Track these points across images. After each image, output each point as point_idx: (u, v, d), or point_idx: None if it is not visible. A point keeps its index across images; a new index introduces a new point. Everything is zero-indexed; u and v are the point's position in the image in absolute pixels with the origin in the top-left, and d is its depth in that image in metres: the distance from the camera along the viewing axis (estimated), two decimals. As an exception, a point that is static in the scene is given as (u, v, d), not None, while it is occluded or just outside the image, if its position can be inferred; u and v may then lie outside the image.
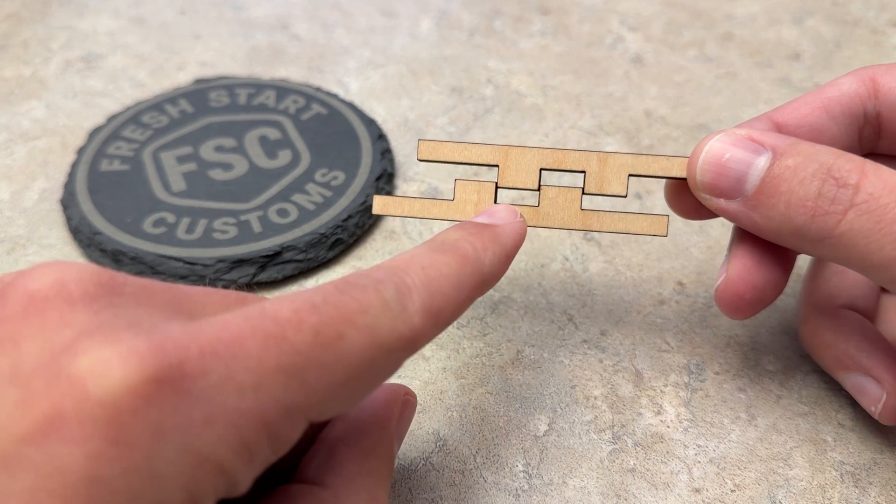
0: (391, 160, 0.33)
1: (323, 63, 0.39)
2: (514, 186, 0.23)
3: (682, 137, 0.35)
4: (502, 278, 0.28)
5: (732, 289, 0.21)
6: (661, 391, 0.25)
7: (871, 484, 0.22)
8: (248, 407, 0.14)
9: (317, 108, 0.35)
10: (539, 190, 0.23)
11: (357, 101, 0.37)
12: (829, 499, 0.22)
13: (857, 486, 0.22)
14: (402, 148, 0.34)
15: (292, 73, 0.39)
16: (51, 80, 0.38)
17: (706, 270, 0.29)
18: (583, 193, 0.23)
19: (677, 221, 0.31)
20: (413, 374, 0.25)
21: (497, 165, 0.23)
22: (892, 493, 0.22)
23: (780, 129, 0.22)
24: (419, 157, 0.23)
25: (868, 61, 0.40)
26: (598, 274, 0.29)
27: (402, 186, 0.32)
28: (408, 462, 0.23)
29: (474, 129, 0.35)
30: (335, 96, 0.36)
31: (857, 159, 0.19)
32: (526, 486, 0.22)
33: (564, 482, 0.22)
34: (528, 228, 0.30)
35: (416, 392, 0.24)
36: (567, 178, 0.32)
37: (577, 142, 0.35)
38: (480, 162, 0.23)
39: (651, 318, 0.27)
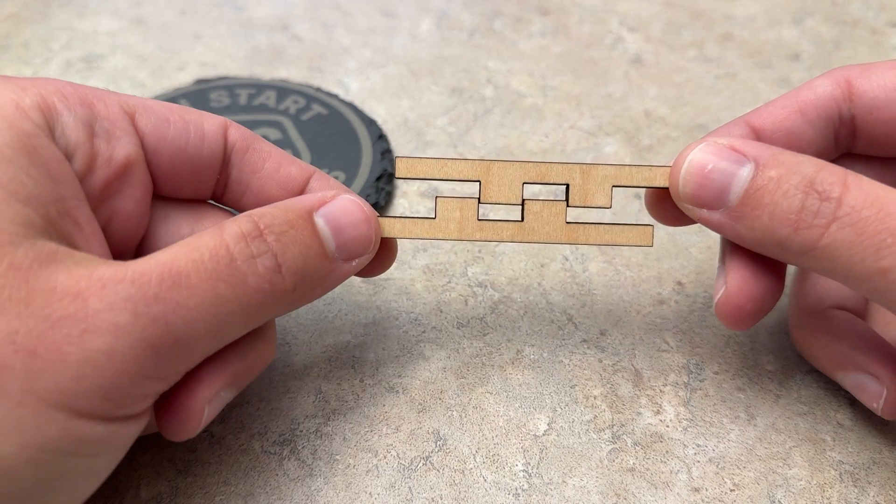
0: (391, 160, 0.33)
1: (323, 63, 0.40)
2: (497, 202, 0.22)
3: (681, 137, 0.35)
4: (502, 277, 0.28)
5: (734, 302, 0.21)
6: (661, 391, 0.25)
7: (870, 483, 0.22)
8: None
9: (317, 109, 0.35)
10: (523, 204, 0.22)
11: (357, 102, 0.37)
12: (828, 498, 0.22)
13: (856, 486, 0.22)
14: (402, 148, 0.34)
15: (293, 73, 0.39)
16: (51, 80, 0.38)
17: (705, 270, 0.29)
18: (567, 206, 0.22)
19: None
20: (413, 374, 0.25)
21: (479, 181, 0.22)
22: (892, 493, 0.22)
23: (757, 133, 0.22)
24: (396, 175, 0.22)
25: (867, 62, 0.40)
26: (597, 274, 0.29)
27: (402, 187, 0.32)
28: (408, 462, 0.23)
29: (474, 129, 0.35)
30: (335, 97, 0.36)
31: (839, 171, 0.19)
32: (526, 486, 0.22)
33: (564, 481, 0.22)
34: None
35: (416, 391, 0.24)
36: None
37: (576, 142, 0.35)
38: (460, 178, 0.22)
39: (650, 318, 0.27)
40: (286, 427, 0.23)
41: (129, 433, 0.17)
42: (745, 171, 0.20)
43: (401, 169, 0.22)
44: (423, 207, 0.31)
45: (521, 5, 0.44)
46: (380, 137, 0.34)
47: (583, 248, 0.30)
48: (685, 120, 0.36)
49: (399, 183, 0.33)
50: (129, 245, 0.21)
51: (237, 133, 0.22)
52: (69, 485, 0.17)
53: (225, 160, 0.22)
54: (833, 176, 0.19)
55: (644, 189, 0.24)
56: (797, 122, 0.22)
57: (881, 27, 0.43)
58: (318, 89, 0.36)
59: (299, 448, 0.23)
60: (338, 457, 0.23)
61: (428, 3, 0.44)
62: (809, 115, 0.22)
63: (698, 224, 0.31)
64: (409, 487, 0.22)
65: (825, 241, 0.18)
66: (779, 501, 0.22)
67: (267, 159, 0.22)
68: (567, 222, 0.22)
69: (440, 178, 0.22)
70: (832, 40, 0.42)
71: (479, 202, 0.22)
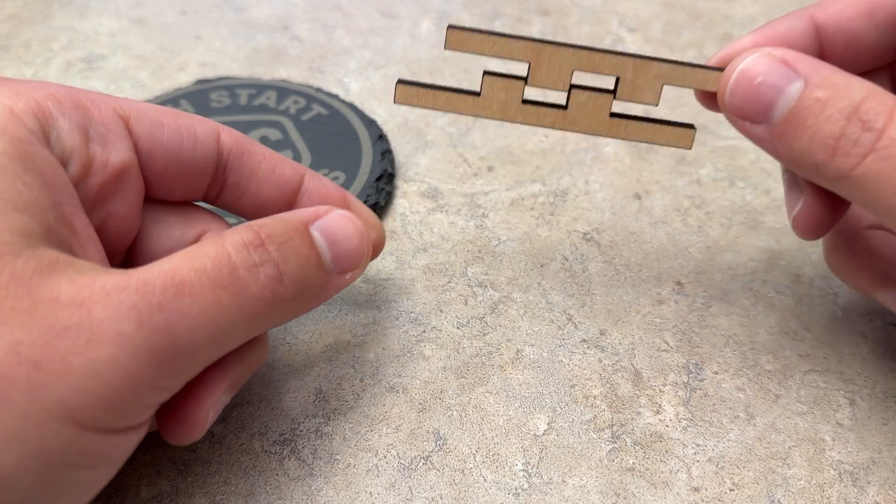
0: (391, 161, 0.33)
1: (323, 64, 0.40)
2: (544, 86, 0.22)
3: (681, 138, 0.35)
4: (502, 277, 0.28)
5: (815, 213, 0.22)
6: (660, 390, 0.25)
7: (869, 483, 0.22)
8: None
9: (317, 109, 0.35)
10: (569, 92, 0.22)
11: (357, 102, 0.37)
12: (827, 498, 0.22)
13: (855, 486, 0.22)
14: (402, 148, 0.34)
15: (293, 73, 0.39)
16: (52, 80, 0.38)
17: (705, 270, 0.29)
18: (613, 99, 0.22)
19: (676, 222, 0.31)
20: (413, 374, 0.25)
21: (529, 63, 0.22)
22: (891, 493, 0.22)
23: (819, 30, 0.22)
24: (446, 46, 0.22)
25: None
26: (597, 274, 0.29)
27: (402, 187, 0.32)
28: (408, 461, 0.23)
29: (474, 129, 0.35)
30: (336, 97, 0.36)
31: (888, 101, 0.18)
32: (525, 485, 0.22)
33: (564, 481, 0.22)
34: (528, 229, 0.30)
35: (416, 391, 0.25)
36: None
37: (576, 142, 0.35)
38: (510, 56, 0.22)
39: (650, 318, 0.27)
40: (286, 427, 0.24)
41: (128, 444, 0.17)
42: (794, 89, 0.19)
43: (451, 40, 0.22)
44: (423, 207, 0.31)
45: (520, 6, 0.44)
46: (380, 138, 0.34)
47: (582, 248, 0.30)
48: (684, 120, 0.36)
49: (399, 183, 0.33)
50: (120, 246, 0.21)
51: (230, 138, 0.22)
52: (66, 494, 0.17)
53: (221, 165, 0.22)
54: (880, 105, 0.18)
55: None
56: (863, 24, 0.22)
57: (881, 28, 0.43)
58: (319, 90, 0.37)
59: (299, 448, 0.23)
60: (338, 456, 0.23)
61: (428, 3, 0.44)
62: (877, 18, 0.21)
63: (698, 224, 0.31)
64: (409, 487, 0.22)
65: (860, 170, 0.18)
66: (778, 501, 0.22)
67: (262, 161, 0.23)
68: (610, 115, 0.22)
69: (489, 53, 0.22)
70: (832, 41, 0.42)
71: (526, 84, 0.22)
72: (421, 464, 0.23)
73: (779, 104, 0.20)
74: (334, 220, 0.21)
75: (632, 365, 0.26)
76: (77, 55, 0.40)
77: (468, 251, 0.30)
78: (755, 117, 0.20)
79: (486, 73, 0.22)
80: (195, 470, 0.22)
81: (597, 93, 0.22)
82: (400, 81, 0.23)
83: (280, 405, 0.24)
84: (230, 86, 0.37)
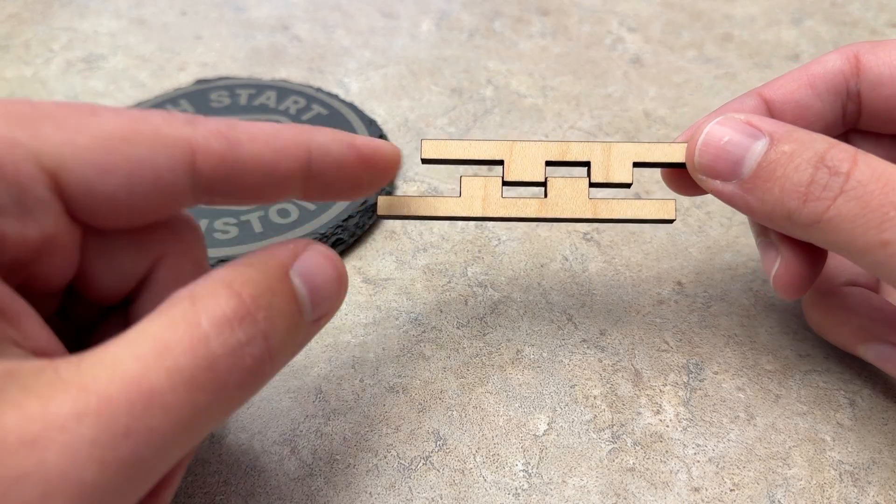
0: (391, 161, 0.33)
1: (323, 64, 0.40)
2: (521, 180, 0.23)
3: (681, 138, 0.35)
4: (502, 277, 0.28)
5: (794, 270, 0.22)
6: (661, 391, 0.25)
7: (869, 483, 0.22)
8: None
9: (317, 109, 0.35)
10: (545, 182, 0.23)
11: (357, 102, 0.37)
12: (827, 498, 0.22)
13: (855, 486, 0.22)
14: (402, 148, 0.34)
15: (293, 73, 0.39)
16: (52, 80, 0.38)
17: (705, 270, 0.29)
18: (589, 184, 0.23)
19: (676, 222, 0.31)
20: (413, 374, 0.25)
21: (502, 161, 0.23)
22: (891, 493, 0.22)
23: (768, 105, 0.23)
24: (423, 158, 0.23)
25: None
26: (597, 274, 0.29)
27: (402, 187, 0.32)
28: (408, 462, 0.23)
29: (474, 129, 0.35)
30: (336, 97, 0.36)
31: (850, 149, 0.19)
32: (526, 486, 0.22)
33: (564, 481, 0.22)
34: (528, 229, 0.30)
35: (416, 391, 0.25)
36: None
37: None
38: (485, 158, 0.23)
39: (650, 318, 0.27)
40: (286, 427, 0.24)
41: None
42: (760, 145, 0.20)
43: (426, 150, 0.23)
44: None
45: (520, 6, 0.44)
46: (380, 138, 0.34)
47: (582, 248, 0.30)
48: (684, 120, 0.36)
49: (399, 183, 0.33)
50: (54, 289, 0.18)
51: (210, 160, 0.17)
52: None
53: (199, 190, 0.18)
54: (843, 153, 0.19)
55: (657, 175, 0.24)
56: (806, 94, 0.23)
57: (880, 28, 0.43)
58: (319, 90, 0.37)
59: (299, 448, 0.23)
60: (338, 456, 0.23)
61: (428, 3, 0.44)
62: (819, 89, 0.23)
63: (698, 224, 0.31)
64: (409, 487, 0.22)
65: (831, 213, 0.19)
66: (778, 501, 0.22)
67: (253, 173, 0.18)
68: (590, 198, 0.23)
69: (464, 158, 0.23)
70: (831, 41, 0.42)
71: (504, 181, 0.23)
72: (421, 464, 0.23)
73: (747, 160, 0.20)
74: (314, 261, 0.18)
75: (632, 365, 0.26)
76: (77, 55, 0.40)
77: (468, 251, 0.30)
78: (725, 175, 0.21)
79: (463, 176, 0.23)
80: (195, 470, 0.22)
81: (573, 178, 0.23)
82: (380, 195, 0.23)
83: (280, 405, 0.24)
84: (230, 86, 0.37)
